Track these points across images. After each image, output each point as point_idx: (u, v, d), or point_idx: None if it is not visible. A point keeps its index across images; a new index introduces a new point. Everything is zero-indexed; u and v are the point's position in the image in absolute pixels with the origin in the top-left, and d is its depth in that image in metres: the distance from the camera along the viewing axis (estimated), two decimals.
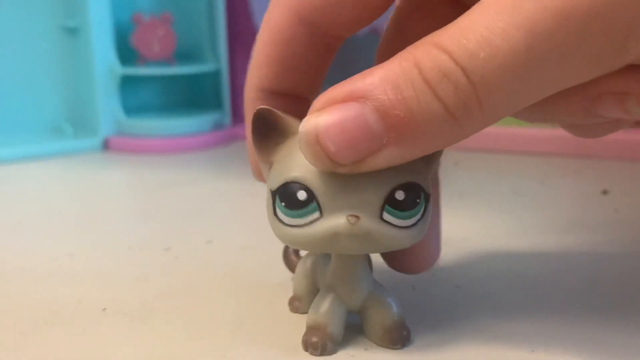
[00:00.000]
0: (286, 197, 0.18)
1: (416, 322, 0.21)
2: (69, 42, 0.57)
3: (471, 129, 0.16)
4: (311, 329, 0.19)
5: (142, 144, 0.55)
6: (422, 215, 0.18)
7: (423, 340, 0.20)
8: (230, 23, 0.61)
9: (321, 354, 0.19)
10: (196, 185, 0.43)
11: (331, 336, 0.19)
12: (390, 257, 0.21)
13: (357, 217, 0.17)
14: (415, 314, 0.22)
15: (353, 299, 0.20)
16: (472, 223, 0.33)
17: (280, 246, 0.26)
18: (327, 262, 0.21)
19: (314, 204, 0.17)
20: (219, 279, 0.26)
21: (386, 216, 0.17)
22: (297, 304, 0.22)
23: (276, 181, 0.18)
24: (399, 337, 0.19)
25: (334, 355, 0.19)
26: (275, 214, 0.18)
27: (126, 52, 0.58)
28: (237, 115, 0.63)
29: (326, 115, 0.16)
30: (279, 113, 0.18)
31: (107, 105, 0.56)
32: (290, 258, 0.25)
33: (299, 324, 0.21)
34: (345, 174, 0.17)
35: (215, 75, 0.61)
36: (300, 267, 0.22)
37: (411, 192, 0.18)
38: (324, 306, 0.19)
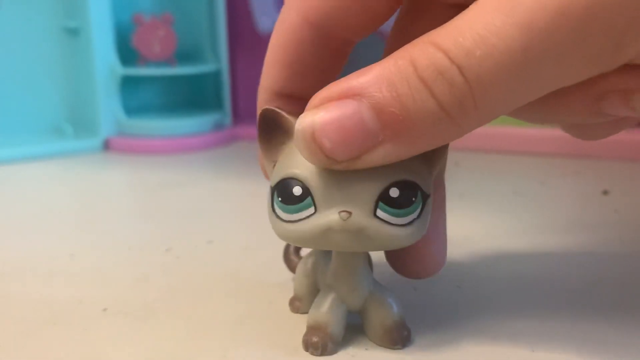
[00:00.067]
0: (283, 192, 0.18)
1: (417, 322, 0.21)
2: (69, 42, 0.57)
3: (466, 127, 0.16)
4: (312, 329, 0.19)
5: (142, 144, 0.55)
6: (419, 214, 0.18)
7: (423, 340, 0.20)
8: (230, 23, 0.61)
9: (322, 354, 0.19)
10: (197, 186, 0.43)
11: (332, 336, 0.19)
12: (396, 261, 0.21)
13: (349, 212, 0.17)
14: (415, 314, 0.22)
15: (354, 299, 0.20)
16: (472, 223, 0.33)
17: (281, 246, 0.26)
18: (327, 262, 0.21)
19: (308, 200, 0.17)
20: (220, 279, 0.26)
21: (380, 213, 0.17)
22: (298, 304, 0.22)
23: (276, 178, 0.18)
24: (399, 337, 0.19)
25: (335, 356, 0.19)
26: (273, 209, 0.18)
27: (127, 53, 0.57)
28: (237, 115, 0.63)
29: (322, 113, 0.16)
30: (284, 114, 0.19)
31: (107, 106, 0.56)
32: (290, 258, 0.25)
33: (300, 324, 0.21)
34: (340, 171, 0.17)
35: (216, 75, 0.61)
36: (301, 267, 0.22)
37: (406, 190, 0.18)
38: (325, 306, 0.19)
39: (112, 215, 0.38)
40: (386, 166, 0.17)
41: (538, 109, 0.19)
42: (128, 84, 0.58)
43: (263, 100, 0.21)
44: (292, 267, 0.25)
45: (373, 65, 0.16)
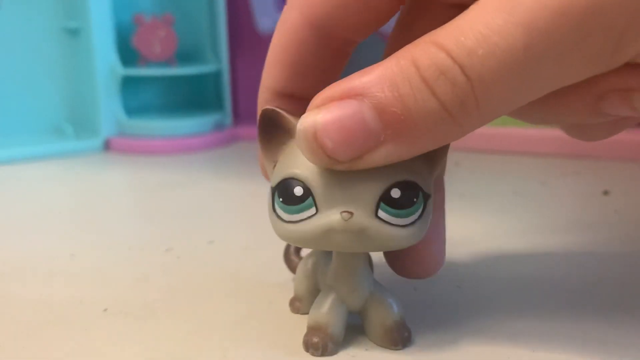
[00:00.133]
0: (284, 192, 0.18)
1: (417, 322, 0.21)
2: (70, 43, 0.57)
3: (468, 126, 0.16)
4: (312, 330, 0.19)
5: (143, 144, 0.55)
6: (421, 215, 0.18)
7: (424, 340, 0.20)
8: (231, 24, 0.61)
9: (322, 355, 0.19)
10: (197, 186, 0.43)
11: (332, 336, 0.19)
12: (395, 262, 0.21)
13: (350, 213, 0.17)
14: (416, 314, 0.22)
15: (354, 300, 0.20)
16: (472, 223, 0.33)
17: (281, 247, 0.26)
18: (328, 262, 0.21)
19: (310, 200, 0.17)
20: (220, 279, 0.26)
21: (381, 214, 0.17)
22: (298, 305, 0.22)
23: (276, 178, 0.18)
24: (399, 338, 0.19)
25: (335, 356, 0.19)
26: (274, 209, 0.18)
27: (127, 53, 0.58)
28: (238, 116, 0.63)
29: (324, 113, 0.16)
30: (284, 114, 0.19)
31: (108, 106, 0.56)
32: (291, 258, 0.25)
33: (300, 324, 0.21)
34: (342, 171, 0.17)
35: (216, 76, 0.61)
36: (301, 267, 0.22)
37: (408, 191, 0.18)
38: (325, 307, 0.19)
39: (112, 215, 0.38)
40: (387, 166, 0.17)
41: (538, 109, 0.19)
42: (128, 84, 0.58)
43: (264, 100, 0.21)
44: (292, 268, 0.25)
45: (375, 65, 0.16)
